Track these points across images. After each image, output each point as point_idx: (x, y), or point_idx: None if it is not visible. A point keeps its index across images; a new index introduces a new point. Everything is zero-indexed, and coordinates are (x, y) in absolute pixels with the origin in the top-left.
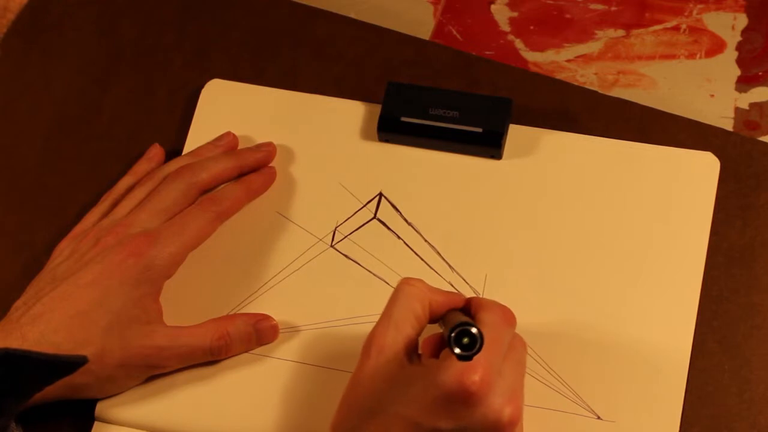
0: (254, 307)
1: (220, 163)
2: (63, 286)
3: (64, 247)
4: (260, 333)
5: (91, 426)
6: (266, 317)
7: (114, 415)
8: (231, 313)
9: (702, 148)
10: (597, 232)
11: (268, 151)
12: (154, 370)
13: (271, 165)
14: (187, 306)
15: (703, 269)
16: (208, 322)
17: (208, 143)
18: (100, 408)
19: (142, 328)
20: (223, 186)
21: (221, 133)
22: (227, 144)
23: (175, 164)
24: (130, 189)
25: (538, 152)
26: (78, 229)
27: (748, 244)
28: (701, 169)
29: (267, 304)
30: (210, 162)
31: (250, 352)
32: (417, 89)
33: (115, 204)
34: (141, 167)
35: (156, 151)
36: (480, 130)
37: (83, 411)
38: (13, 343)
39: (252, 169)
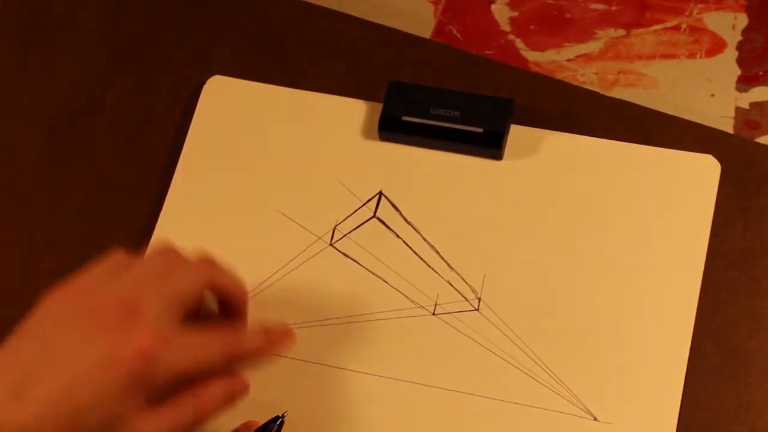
0: (253, 305)
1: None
2: (57, 372)
3: (56, 301)
4: (235, 395)
5: None
6: (236, 379)
7: None
8: None
9: (703, 150)
10: (596, 234)
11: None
12: None
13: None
14: None
15: (703, 272)
16: (184, 399)
17: None
18: None
19: (128, 425)
20: (252, 329)
21: (222, 129)
22: None
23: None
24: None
25: (539, 153)
26: (77, 285)
27: (749, 247)
28: (702, 172)
29: (266, 302)
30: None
31: None
32: (418, 89)
33: (122, 264)
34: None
35: None
36: (481, 130)
37: None
38: None
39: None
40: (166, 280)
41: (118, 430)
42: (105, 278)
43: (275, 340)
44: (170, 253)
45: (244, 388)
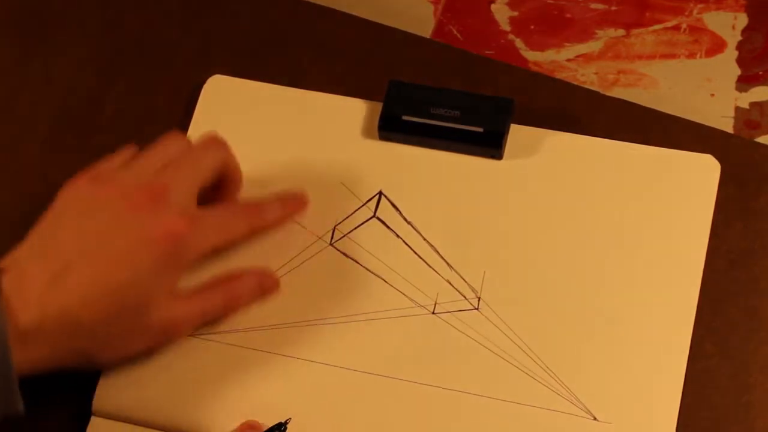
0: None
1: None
2: (94, 255)
3: (82, 188)
4: (265, 290)
5: (87, 421)
6: (268, 274)
7: (112, 410)
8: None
9: (703, 150)
10: (596, 233)
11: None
12: (168, 342)
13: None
14: None
15: (702, 271)
16: (217, 287)
17: None
18: (98, 402)
19: (162, 306)
20: (269, 200)
21: (222, 128)
22: None
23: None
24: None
25: (539, 153)
26: (98, 174)
27: (749, 247)
28: (702, 172)
29: (266, 301)
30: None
31: (250, 347)
32: (419, 88)
33: (137, 154)
34: None
35: None
36: (481, 130)
37: (81, 407)
38: (30, 313)
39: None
40: (185, 162)
41: (153, 311)
42: (124, 167)
43: (292, 206)
44: (180, 139)
45: (274, 284)
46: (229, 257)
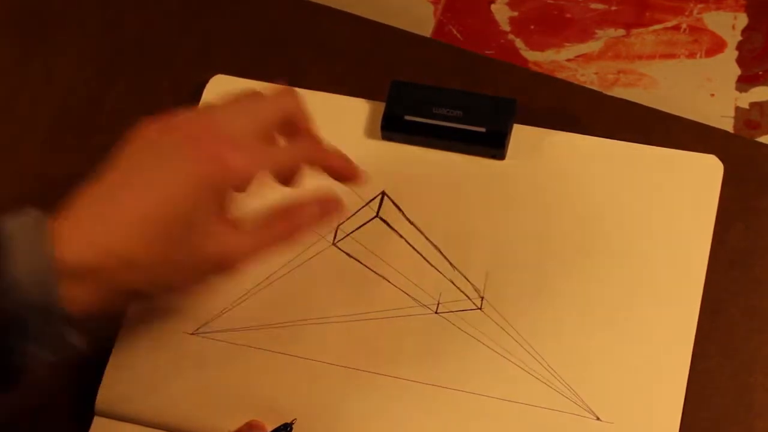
0: (254, 303)
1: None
2: (141, 191)
3: (140, 131)
4: (327, 212)
5: (90, 421)
6: (331, 197)
7: (115, 410)
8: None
9: (705, 150)
10: (599, 233)
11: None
12: (222, 275)
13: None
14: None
15: (705, 272)
16: (275, 219)
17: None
18: (101, 403)
19: (215, 238)
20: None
21: None
22: None
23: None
24: None
25: (541, 153)
26: (170, 119)
27: (750, 247)
28: (704, 172)
29: (267, 301)
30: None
31: (253, 346)
32: (421, 88)
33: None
34: None
35: None
36: (483, 130)
37: (82, 406)
38: (78, 252)
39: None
40: (246, 105)
41: (206, 243)
42: (195, 114)
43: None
44: (254, 91)
45: (337, 205)
46: None
